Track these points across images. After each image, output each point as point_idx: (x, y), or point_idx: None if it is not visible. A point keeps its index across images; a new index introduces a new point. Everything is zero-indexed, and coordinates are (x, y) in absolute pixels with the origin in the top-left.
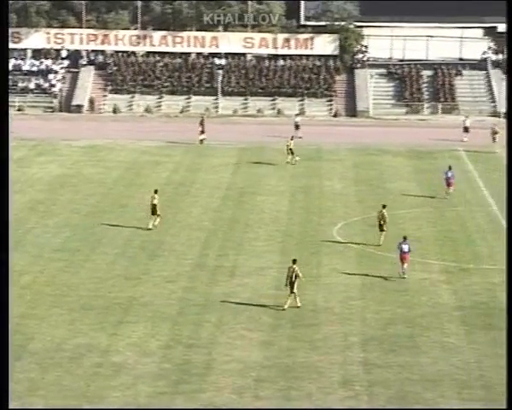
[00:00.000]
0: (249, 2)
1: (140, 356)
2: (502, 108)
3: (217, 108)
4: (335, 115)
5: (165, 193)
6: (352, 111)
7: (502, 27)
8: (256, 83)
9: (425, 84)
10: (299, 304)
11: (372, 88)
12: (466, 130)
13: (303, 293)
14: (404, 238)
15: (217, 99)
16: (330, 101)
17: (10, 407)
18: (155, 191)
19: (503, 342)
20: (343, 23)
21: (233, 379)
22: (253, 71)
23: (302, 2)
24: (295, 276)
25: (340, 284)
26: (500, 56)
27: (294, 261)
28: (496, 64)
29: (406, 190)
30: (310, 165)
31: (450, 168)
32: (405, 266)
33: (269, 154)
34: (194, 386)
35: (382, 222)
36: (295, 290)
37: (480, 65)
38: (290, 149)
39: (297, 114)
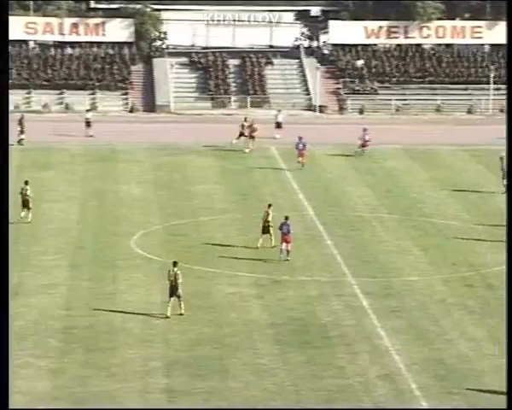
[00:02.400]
0: None
1: None
2: (317, 101)
3: None
4: (132, 111)
5: None
6: (150, 106)
7: (315, 11)
8: (40, 74)
9: (232, 75)
10: (182, 311)
11: (173, 79)
12: (278, 125)
13: (99, 313)
14: (286, 218)
15: None
16: (126, 94)
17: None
18: (26, 182)
19: (320, 362)
20: (138, 6)
21: None
22: (36, 60)
23: None
24: (176, 280)
25: (139, 302)
26: (314, 43)
27: (175, 264)
28: (309, 52)
29: (213, 194)
30: (103, 167)
31: (300, 139)
32: (285, 246)
33: (56, 155)
34: None
35: (267, 224)
36: (181, 294)
37: (292, 53)
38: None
39: (88, 110)
